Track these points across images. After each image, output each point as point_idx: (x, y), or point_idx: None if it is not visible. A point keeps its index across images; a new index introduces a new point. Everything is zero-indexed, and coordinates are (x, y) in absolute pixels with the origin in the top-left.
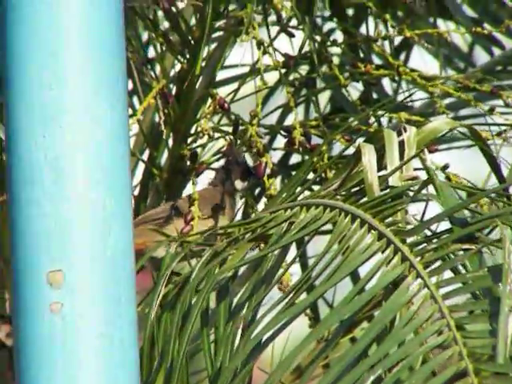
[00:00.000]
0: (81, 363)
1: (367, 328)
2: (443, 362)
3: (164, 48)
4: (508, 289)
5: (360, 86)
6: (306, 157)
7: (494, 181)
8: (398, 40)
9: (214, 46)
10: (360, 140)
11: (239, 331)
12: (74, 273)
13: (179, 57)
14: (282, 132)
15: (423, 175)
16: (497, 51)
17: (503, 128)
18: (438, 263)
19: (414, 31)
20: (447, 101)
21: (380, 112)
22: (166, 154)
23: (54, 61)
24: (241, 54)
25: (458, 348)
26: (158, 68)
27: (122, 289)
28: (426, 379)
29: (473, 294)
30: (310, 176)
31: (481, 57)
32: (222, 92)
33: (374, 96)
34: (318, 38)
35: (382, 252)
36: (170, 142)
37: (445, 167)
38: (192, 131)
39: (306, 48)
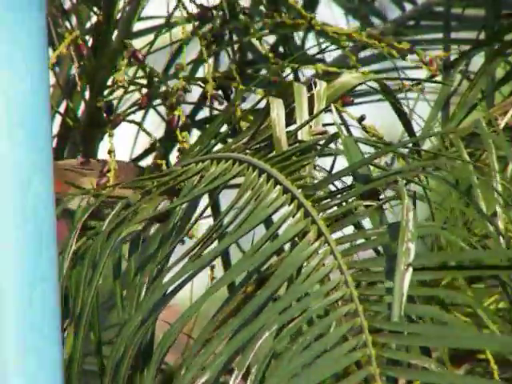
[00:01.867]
0: (3, 315)
1: (267, 283)
2: (339, 319)
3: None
4: (405, 247)
5: (270, 39)
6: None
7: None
8: None
9: None
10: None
11: (145, 284)
12: None
13: (95, 9)
14: (197, 83)
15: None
16: (408, 6)
17: (415, 82)
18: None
19: None
20: (359, 55)
21: (294, 64)
22: (82, 107)
23: None
24: (157, 6)
25: (354, 305)
26: (74, 20)
27: (44, 240)
28: (320, 334)
29: (375, 250)
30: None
31: (392, 13)
32: (138, 44)
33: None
34: None
35: (289, 205)
36: (87, 94)
37: (361, 119)
38: (108, 83)
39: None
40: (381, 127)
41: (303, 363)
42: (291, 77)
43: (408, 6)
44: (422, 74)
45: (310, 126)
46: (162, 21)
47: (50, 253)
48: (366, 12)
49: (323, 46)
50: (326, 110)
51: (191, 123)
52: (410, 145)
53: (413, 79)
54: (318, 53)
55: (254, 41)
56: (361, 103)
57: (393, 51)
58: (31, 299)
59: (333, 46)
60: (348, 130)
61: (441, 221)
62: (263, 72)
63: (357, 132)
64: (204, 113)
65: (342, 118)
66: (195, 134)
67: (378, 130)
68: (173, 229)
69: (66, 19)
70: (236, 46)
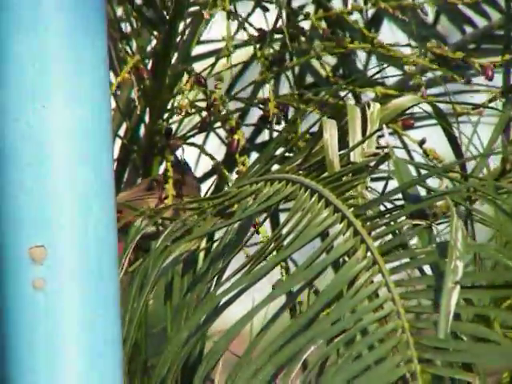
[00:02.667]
0: (64, 339)
1: (314, 300)
2: (385, 335)
3: (139, 24)
4: (453, 264)
5: (331, 60)
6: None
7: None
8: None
9: (189, 20)
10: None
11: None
12: (56, 248)
13: (155, 32)
14: (257, 105)
15: (398, 153)
16: (469, 29)
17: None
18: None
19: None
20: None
21: (352, 86)
22: (142, 130)
23: (33, 38)
24: (218, 29)
25: (401, 322)
26: (134, 44)
27: (105, 264)
28: (367, 350)
29: (420, 269)
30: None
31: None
32: (198, 67)
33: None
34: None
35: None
36: (147, 118)
37: (422, 142)
38: (168, 107)
39: (280, 23)
40: (444, 151)
41: (348, 378)
42: (351, 99)
43: (468, 29)
44: (483, 98)
45: (363, 148)
46: (220, 44)
47: (111, 278)
48: (427, 35)
49: (383, 68)
50: (379, 131)
51: (251, 146)
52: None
53: (472, 104)
54: (377, 73)
55: (314, 62)
56: (421, 127)
57: (455, 75)
58: (93, 323)
59: (393, 69)
60: (409, 154)
61: (498, 243)
62: (322, 94)
63: (417, 156)
64: (263, 136)
65: (402, 140)
66: (254, 156)
67: (439, 154)
68: (225, 247)
69: (126, 43)
70: (295, 69)
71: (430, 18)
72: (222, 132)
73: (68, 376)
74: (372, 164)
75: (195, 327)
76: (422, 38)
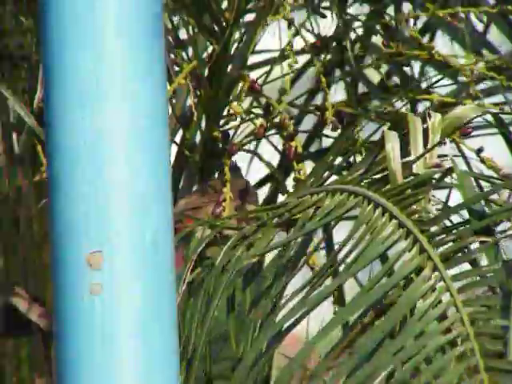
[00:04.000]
0: (120, 346)
1: (382, 320)
2: (456, 357)
3: (196, 30)
4: None
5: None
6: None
7: None
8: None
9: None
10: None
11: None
12: (113, 254)
13: (211, 39)
14: (314, 111)
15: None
16: None
17: None
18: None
19: (444, 11)
20: (483, 85)
21: (410, 94)
22: (198, 136)
23: (92, 44)
24: (273, 37)
25: (471, 344)
26: (190, 51)
27: (162, 271)
28: (437, 374)
29: (490, 287)
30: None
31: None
32: (255, 74)
33: (397, 80)
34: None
35: (404, 240)
36: (203, 124)
37: (479, 150)
38: (224, 113)
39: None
40: (499, 160)
41: None
42: (405, 108)
43: None
44: None
45: (425, 159)
46: (275, 53)
47: (168, 286)
48: (479, 44)
49: (439, 76)
50: (441, 142)
51: (306, 154)
52: None
53: None
54: (435, 82)
55: (370, 70)
56: (478, 135)
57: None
58: (150, 331)
59: (448, 78)
60: (466, 162)
61: None
62: (376, 103)
63: (475, 163)
64: (317, 143)
65: (459, 149)
66: (308, 164)
67: (496, 162)
68: (288, 261)
69: (182, 50)
70: (351, 77)
71: (481, 29)
72: (273, 139)
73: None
74: (435, 176)
75: (260, 350)
76: (475, 48)
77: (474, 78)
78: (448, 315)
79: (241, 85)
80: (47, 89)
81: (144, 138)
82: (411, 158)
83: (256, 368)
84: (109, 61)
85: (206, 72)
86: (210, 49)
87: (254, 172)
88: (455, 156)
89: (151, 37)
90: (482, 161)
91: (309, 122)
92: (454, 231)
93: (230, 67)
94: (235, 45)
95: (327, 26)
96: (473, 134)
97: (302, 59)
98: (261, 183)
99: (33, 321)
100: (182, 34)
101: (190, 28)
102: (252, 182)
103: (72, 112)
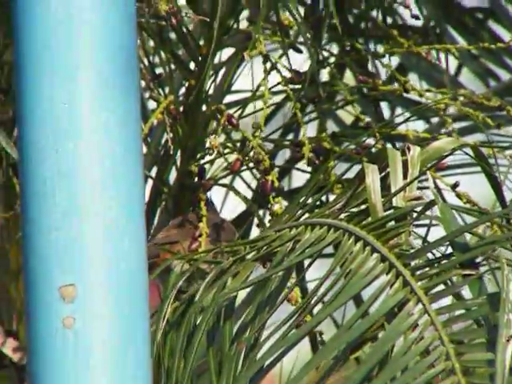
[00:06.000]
0: (93, 379)
1: (366, 355)
2: None
3: (172, 65)
4: (506, 318)
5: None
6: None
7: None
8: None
9: (222, 61)
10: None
11: (242, 353)
12: (86, 287)
13: (187, 73)
14: (291, 147)
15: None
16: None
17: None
18: (438, 288)
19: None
20: (456, 125)
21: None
22: (174, 171)
23: (66, 75)
24: (247, 76)
25: (457, 378)
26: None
27: (136, 304)
28: None
29: (475, 320)
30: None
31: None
32: (231, 109)
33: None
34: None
35: (386, 274)
36: (178, 159)
37: (455, 185)
38: (200, 147)
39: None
40: (474, 196)
41: None
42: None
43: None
44: None
45: (405, 191)
46: (254, 85)
47: (142, 319)
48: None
49: (410, 113)
50: (420, 176)
51: (281, 188)
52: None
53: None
54: (408, 118)
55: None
56: (456, 174)
57: (488, 121)
58: (122, 362)
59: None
60: (441, 196)
61: None
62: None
63: (449, 198)
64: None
65: (435, 183)
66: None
67: (469, 195)
68: (269, 297)
69: (158, 85)
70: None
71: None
72: (246, 174)
73: None
74: (416, 209)
75: None
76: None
77: (449, 115)
78: (431, 349)
79: (218, 118)
80: (20, 120)
81: (117, 168)
82: (392, 190)
83: None
84: (81, 93)
85: (182, 108)
86: (187, 84)
87: (229, 206)
88: (424, 188)
89: (124, 70)
90: (458, 196)
91: (281, 156)
92: (437, 265)
93: (205, 104)
94: (211, 80)
95: (302, 61)
96: (449, 171)
97: (278, 98)
98: (237, 218)
99: (7, 355)
100: (159, 70)
101: (166, 63)
102: (227, 217)
103: (45, 143)
